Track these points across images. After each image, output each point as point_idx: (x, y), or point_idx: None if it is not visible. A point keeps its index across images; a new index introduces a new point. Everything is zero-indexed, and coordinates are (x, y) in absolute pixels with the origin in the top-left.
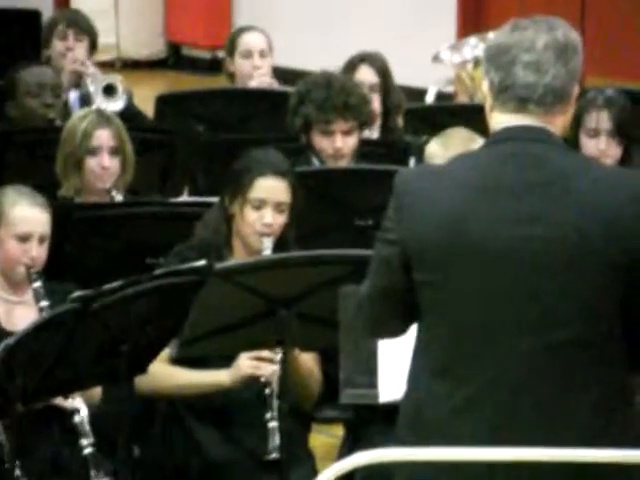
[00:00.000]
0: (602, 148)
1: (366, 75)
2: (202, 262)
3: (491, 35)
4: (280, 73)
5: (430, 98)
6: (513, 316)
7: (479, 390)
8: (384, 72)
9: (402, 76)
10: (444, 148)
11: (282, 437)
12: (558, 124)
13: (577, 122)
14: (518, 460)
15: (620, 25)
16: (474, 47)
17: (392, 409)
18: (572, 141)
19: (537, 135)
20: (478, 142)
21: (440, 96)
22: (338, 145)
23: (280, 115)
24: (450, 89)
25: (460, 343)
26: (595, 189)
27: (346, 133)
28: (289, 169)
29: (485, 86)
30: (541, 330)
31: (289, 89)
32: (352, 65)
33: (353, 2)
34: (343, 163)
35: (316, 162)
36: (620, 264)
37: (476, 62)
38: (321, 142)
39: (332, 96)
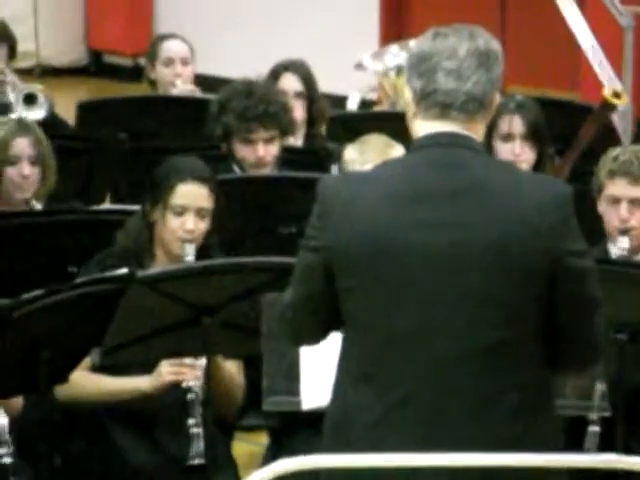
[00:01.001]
0: (517, 152)
1: (290, 83)
2: (124, 270)
3: (413, 43)
4: (202, 80)
5: (352, 105)
6: (438, 321)
7: (404, 396)
8: (308, 80)
9: (326, 84)
10: (360, 154)
11: (205, 443)
12: (480, 131)
13: (490, 127)
14: (442, 465)
15: (539, 35)
16: (396, 55)
17: (316, 416)
18: (486, 146)
19: (459, 141)
20: (395, 148)
21: (363, 103)
22: (260, 154)
23: (202, 123)
24: (373, 96)
25: (385, 349)
26: (517, 195)
27: (267, 141)
28: (210, 175)
29: (408, 93)
30: (465, 334)
31: (211, 97)
32: (276, 73)
33: (277, 10)
34: (265, 171)
35: (237, 170)
36: (541, 268)
37: (398, 70)
38: (242, 151)
39: (253, 105)
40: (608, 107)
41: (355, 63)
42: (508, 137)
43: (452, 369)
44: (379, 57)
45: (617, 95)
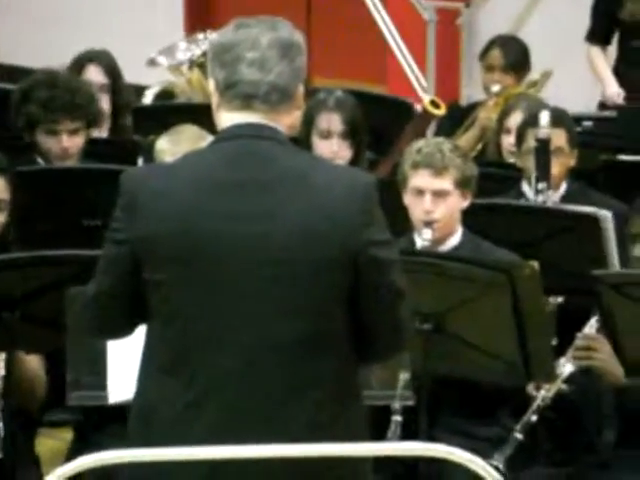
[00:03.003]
0: (334, 150)
1: (94, 74)
2: None
3: (201, 36)
4: (4, 70)
5: (148, 98)
6: (242, 313)
7: (208, 389)
8: (113, 71)
9: (131, 75)
10: (173, 145)
11: (6, 439)
12: (285, 122)
13: (308, 123)
14: (243, 457)
15: (346, 27)
16: (185, 50)
17: (123, 410)
18: (304, 142)
19: (263, 133)
20: (207, 139)
21: (162, 94)
22: (64, 145)
23: (4, 113)
24: (180, 87)
25: (189, 342)
26: (321, 185)
27: (72, 132)
28: (6, 166)
29: (211, 84)
30: (271, 326)
31: (12, 87)
32: (79, 64)
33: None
34: (70, 163)
35: (41, 162)
36: (345, 258)
37: (190, 64)
38: (47, 142)
39: (58, 95)
40: (428, 116)
41: (148, 60)
42: (327, 134)
43: (258, 361)
44: (169, 53)
45: (436, 104)
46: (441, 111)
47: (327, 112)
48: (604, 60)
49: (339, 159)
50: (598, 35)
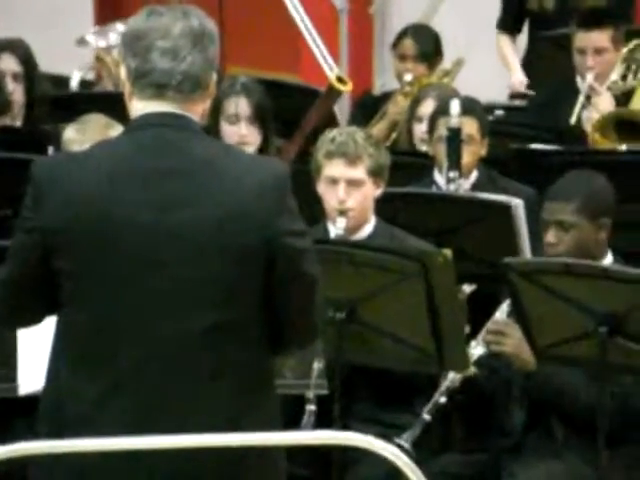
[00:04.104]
0: (243, 134)
1: (8, 63)
2: None
3: (128, 21)
4: None
5: (74, 84)
6: (154, 302)
7: (121, 379)
8: (28, 61)
9: (44, 64)
10: (81, 134)
11: None
12: (198, 111)
13: (216, 109)
14: (156, 448)
15: (258, 16)
16: (120, 33)
17: (34, 401)
18: (212, 128)
19: (177, 122)
20: (115, 128)
21: (83, 83)
22: None
23: None
24: (92, 76)
25: (99, 332)
26: (234, 175)
27: None
28: None
29: (123, 72)
30: (185, 315)
31: None
32: None
33: None
34: None
35: None
36: (259, 248)
37: (116, 48)
38: None
39: None
40: (333, 93)
41: (77, 39)
42: (234, 119)
43: (171, 350)
44: (103, 34)
45: (342, 81)
46: (348, 87)
47: (234, 96)
48: (512, 49)
49: (247, 144)
50: (507, 24)
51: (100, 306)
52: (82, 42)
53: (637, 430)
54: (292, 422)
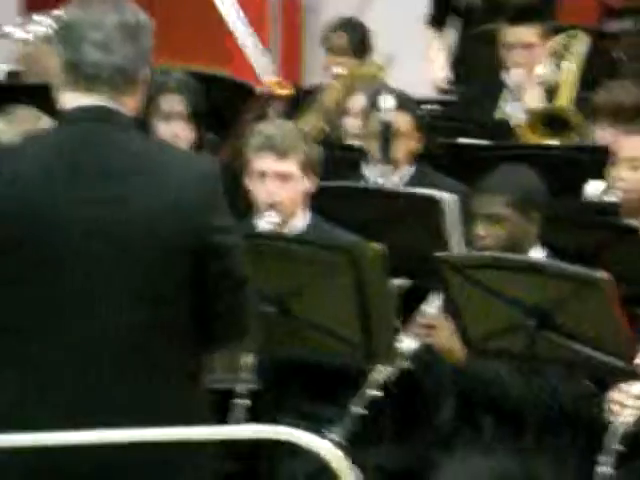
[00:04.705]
0: (176, 132)
1: None
2: None
3: (60, 12)
4: None
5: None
6: (82, 300)
7: (44, 378)
8: None
9: None
10: (9, 126)
11: None
12: (129, 105)
13: (149, 105)
14: (82, 443)
15: (189, 8)
16: (41, 24)
17: None
18: (145, 124)
19: (107, 116)
20: (44, 120)
21: (11, 74)
22: None
23: None
24: (20, 67)
25: (25, 331)
26: (164, 171)
27: None
28: None
29: (55, 64)
30: (115, 313)
31: None
32: None
33: None
34: None
35: None
36: (188, 245)
37: (45, 39)
38: None
39: None
40: (272, 97)
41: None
42: (168, 117)
43: (101, 348)
44: (24, 26)
45: (281, 85)
46: (286, 92)
47: (168, 94)
48: (439, 44)
49: (181, 141)
50: (435, 20)
51: (24, 304)
52: (4, 35)
53: (564, 424)
54: (222, 417)
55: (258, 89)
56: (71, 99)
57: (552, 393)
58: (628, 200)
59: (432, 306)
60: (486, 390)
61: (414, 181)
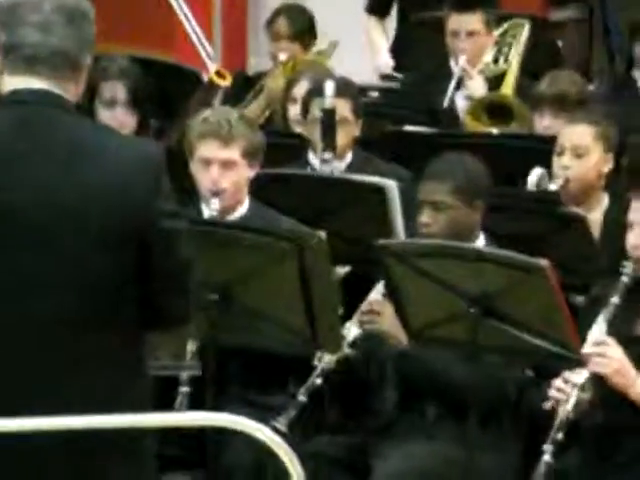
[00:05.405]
0: (119, 118)
1: None
2: None
3: None
4: None
5: None
6: (24, 285)
7: None
8: None
9: None
10: None
11: None
12: (72, 91)
13: (91, 91)
14: (24, 430)
15: None
16: None
17: None
18: (88, 110)
19: (48, 99)
20: None
21: None
22: None
23: None
24: None
25: None
26: (105, 156)
27: None
28: None
29: None
30: (53, 298)
31: None
32: None
33: None
34: None
35: None
36: (130, 230)
37: None
38: None
39: None
40: (212, 87)
41: None
42: (110, 103)
43: (40, 333)
44: None
45: (221, 75)
46: (226, 82)
47: (110, 80)
48: (380, 31)
49: (124, 128)
50: (376, 7)
51: None
52: None
53: (506, 410)
54: (165, 404)
55: (204, 77)
56: (11, 82)
57: (495, 380)
58: (571, 188)
59: (376, 292)
60: (429, 377)
61: (355, 168)
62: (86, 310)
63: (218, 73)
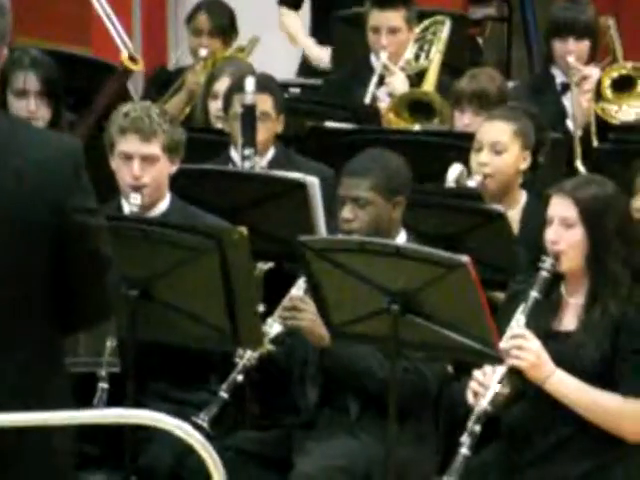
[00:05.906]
0: (32, 109)
1: None
2: None
3: None
4: None
5: None
6: None
7: None
8: None
9: None
10: None
11: None
12: None
13: (3, 82)
14: None
15: None
16: None
17: None
18: (0, 102)
19: None
20: None
21: None
22: None
23: None
24: None
25: None
26: (21, 149)
27: None
28: None
29: None
30: None
31: None
32: None
33: None
34: None
35: None
36: (47, 225)
37: None
38: None
39: None
40: (125, 72)
41: None
42: (23, 94)
43: None
44: None
45: (134, 60)
46: (139, 67)
47: (22, 71)
48: (300, 25)
49: (36, 119)
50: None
51: None
52: None
53: (425, 406)
54: (84, 400)
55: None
56: None
57: (415, 375)
58: (490, 185)
59: (297, 288)
60: (352, 373)
61: (277, 164)
62: (8, 301)
63: (131, 58)
